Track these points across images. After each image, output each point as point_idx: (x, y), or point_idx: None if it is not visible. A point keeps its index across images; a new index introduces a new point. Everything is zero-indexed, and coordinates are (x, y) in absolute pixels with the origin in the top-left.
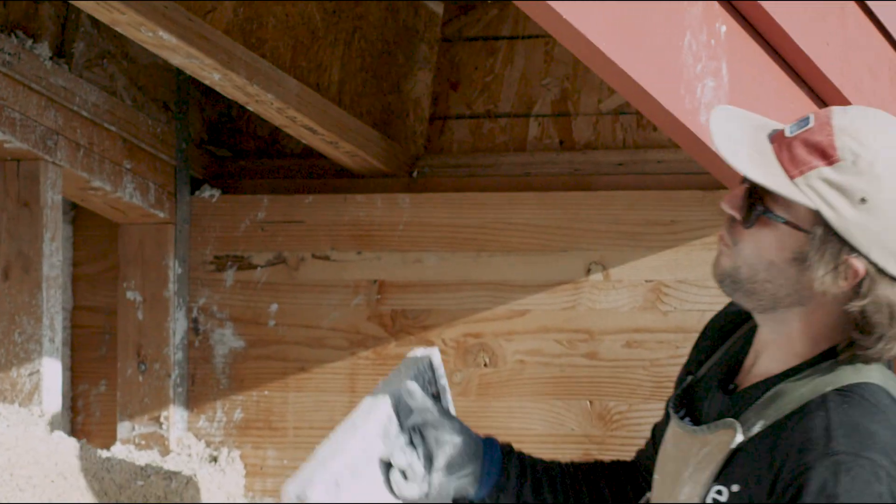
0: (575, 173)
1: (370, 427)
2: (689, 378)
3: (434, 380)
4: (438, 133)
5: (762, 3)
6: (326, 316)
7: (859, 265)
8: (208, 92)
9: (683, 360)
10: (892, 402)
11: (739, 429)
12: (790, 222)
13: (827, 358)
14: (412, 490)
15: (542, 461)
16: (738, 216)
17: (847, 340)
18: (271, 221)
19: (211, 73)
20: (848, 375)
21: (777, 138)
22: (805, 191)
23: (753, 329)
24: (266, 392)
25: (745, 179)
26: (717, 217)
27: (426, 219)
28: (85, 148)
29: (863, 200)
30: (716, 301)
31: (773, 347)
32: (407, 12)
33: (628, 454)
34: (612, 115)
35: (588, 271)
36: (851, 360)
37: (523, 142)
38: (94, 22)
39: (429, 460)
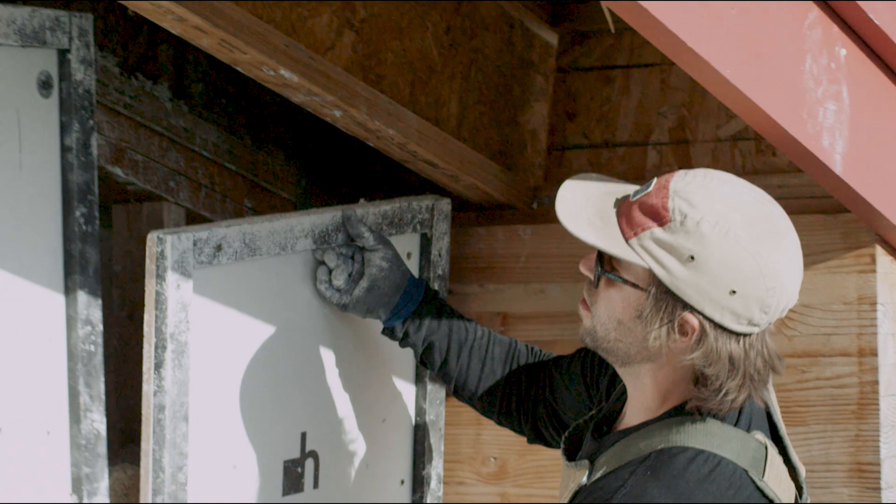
0: None
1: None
2: (591, 414)
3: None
4: (557, 163)
5: (881, 25)
6: None
7: (693, 320)
8: (326, 129)
9: (811, 384)
10: (705, 470)
11: (588, 471)
12: (629, 281)
13: (675, 415)
14: (332, 294)
15: (465, 321)
16: (590, 276)
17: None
18: None
19: (332, 110)
20: (675, 435)
21: (623, 203)
22: (638, 251)
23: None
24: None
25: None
26: (842, 240)
27: (548, 249)
28: (206, 187)
29: (691, 258)
30: (841, 325)
31: (633, 401)
32: (522, 44)
33: None
34: (731, 141)
35: None
36: (693, 415)
37: (642, 170)
38: (212, 62)
39: (358, 278)
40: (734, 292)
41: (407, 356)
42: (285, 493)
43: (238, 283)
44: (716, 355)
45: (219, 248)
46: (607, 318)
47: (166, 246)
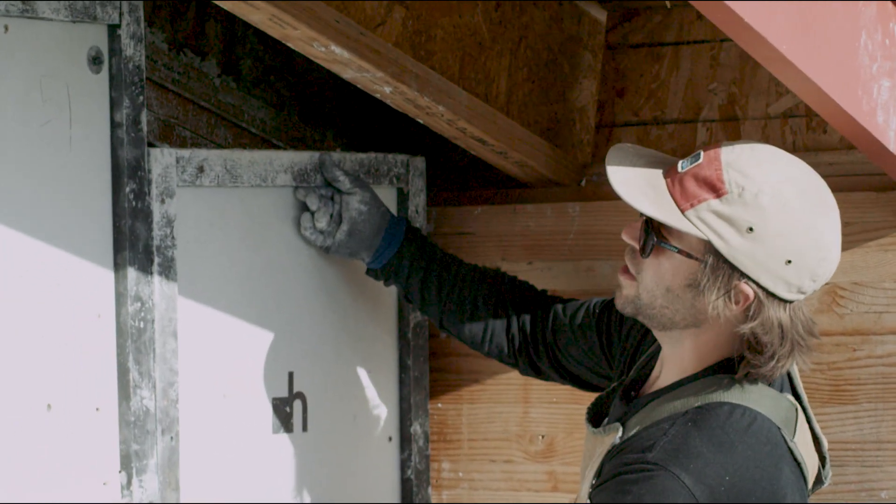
0: None
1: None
2: (613, 385)
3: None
4: (606, 141)
5: None
6: None
7: (748, 290)
8: (373, 105)
9: (862, 363)
10: (744, 423)
11: (620, 431)
12: (683, 251)
13: (712, 374)
14: (315, 236)
15: (446, 257)
16: (636, 245)
17: (739, 359)
18: (441, 234)
19: (382, 87)
20: (713, 392)
21: (670, 173)
22: (695, 222)
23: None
24: (440, 405)
25: (641, 213)
26: (893, 217)
27: (596, 227)
28: None
29: (750, 230)
30: (892, 303)
31: (670, 363)
32: (570, 21)
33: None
34: (781, 118)
35: None
36: (742, 380)
37: (691, 147)
38: (260, 38)
39: (339, 221)
40: (790, 262)
41: (389, 309)
42: (275, 431)
43: (221, 208)
44: (769, 324)
45: (200, 168)
46: (655, 285)
47: (149, 159)
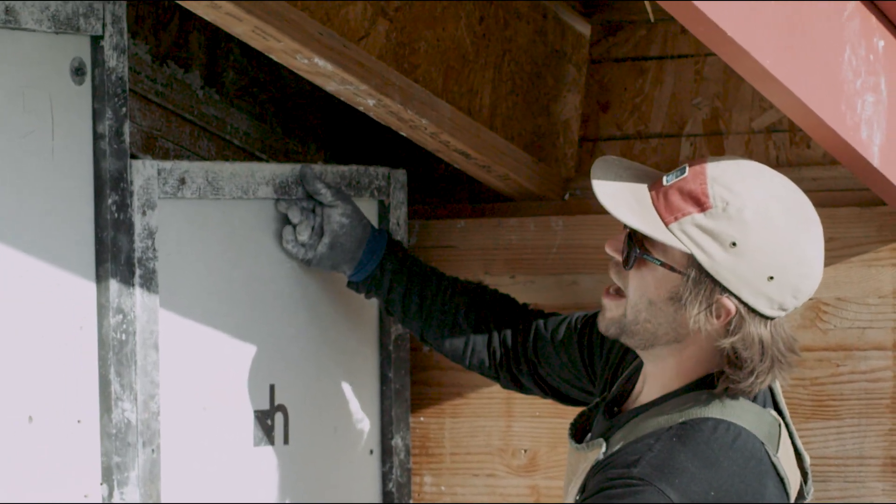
0: None
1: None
2: (596, 401)
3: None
4: (589, 155)
5: None
6: None
7: (730, 304)
8: (357, 118)
9: (845, 378)
10: (729, 438)
11: (604, 448)
12: (666, 264)
13: (694, 389)
14: (297, 249)
15: (427, 270)
16: (619, 258)
17: (719, 374)
18: (423, 247)
19: (365, 99)
20: (702, 409)
21: (655, 187)
22: (679, 235)
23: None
24: (422, 418)
25: (626, 226)
26: (877, 233)
27: (580, 241)
28: None
29: (733, 244)
30: (876, 318)
31: (652, 379)
32: (555, 35)
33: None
34: (765, 133)
35: None
36: (722, 395)
37: (675, 161)
38: (244, 50)
39: (321, 233)
40: (772, 278)
41: (371, 322)
42: (256, 443)
43: (202, 221)
44: (749, 339)
45: (182, 180)
46: (638, 298)
47: (131, 171)
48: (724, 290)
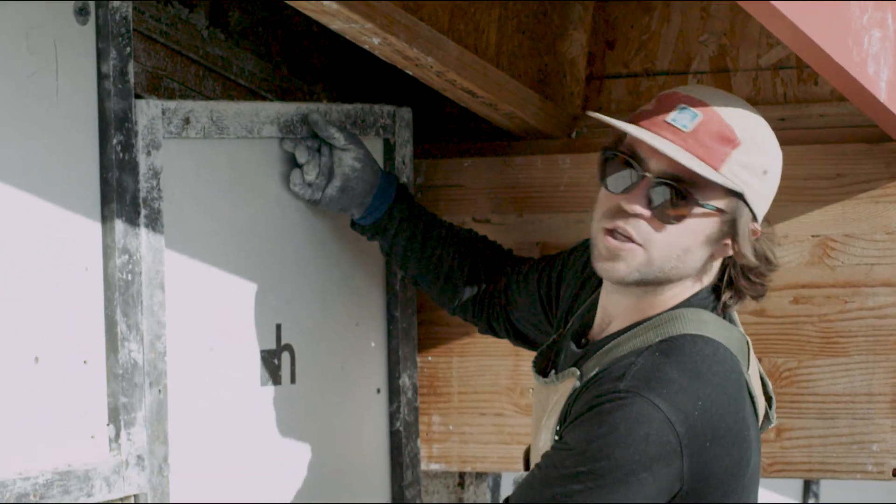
0: None
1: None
2: (552, 338)
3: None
4: (596, 93)
5: None
6: None
7: (757, 228)
8: (361, 56)
9: (853, 315)
10: (709, 350)
11: (578, 375)
12: (719, 209)
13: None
14: (304, 190)
15: (431, 219)
16: (646, 211)
17: (712, 291)
18: (430, 186)
19: (370, 38)
20: (675, 325)
21: (674, 135)
22: (730, 177)
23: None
24: (429, 357)
25: (639, 178)
26: (885, 169)
27: (587, 179)
28: None
29: (765, 172)
30: (884, 255)
31: (628, 311)
32: None
33: (799, 412)
34: (772, 70)
35: None
36: (696, 313)
37: None
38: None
39: (329, 175)
40: (773, 195)
41: (377, 261)
42: (263, 383)
43: (208, 160)
44: (761, 256)
45: (186, 120)
46: (672, 248)
47: (135, 111)
48: (754, 216)
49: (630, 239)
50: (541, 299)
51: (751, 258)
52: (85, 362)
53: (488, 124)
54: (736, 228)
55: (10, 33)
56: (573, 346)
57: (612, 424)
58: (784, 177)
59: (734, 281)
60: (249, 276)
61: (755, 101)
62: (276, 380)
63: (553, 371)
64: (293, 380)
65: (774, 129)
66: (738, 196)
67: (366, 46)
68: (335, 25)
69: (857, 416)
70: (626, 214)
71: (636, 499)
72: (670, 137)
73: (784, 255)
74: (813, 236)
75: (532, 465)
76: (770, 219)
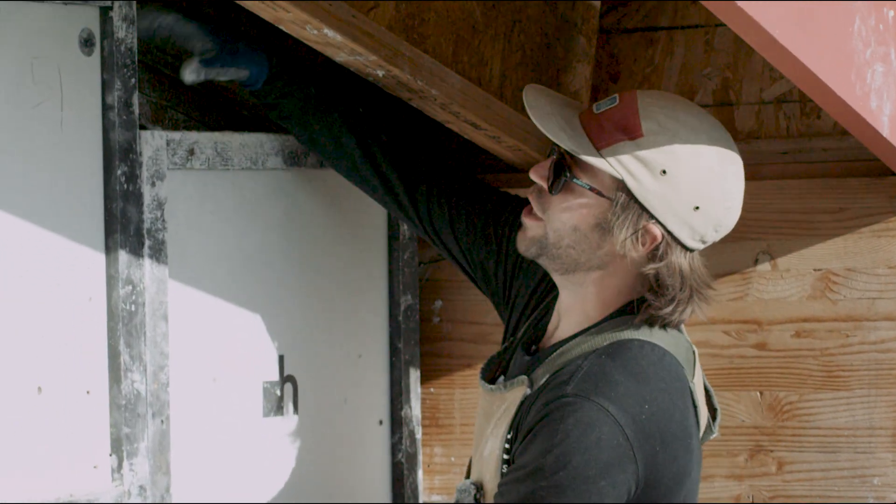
0: None
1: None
2: (505, 345)
3: None
4: None
5: None
6: (491, 311)
7: (656, 231)
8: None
9: (855, 349)
10: (656, 356)
11: (527, 383)
12: (594, 189)
13: (614, 318)
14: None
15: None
16: (545, 184)
17: (640, 303)
18: None
19: (375, 70)
20: (621, 331)
21: (586, 114)
22: (611, 161)
23: (556, 296)
24: (432, 389)
25: (552, 152)
26: (887, 203)
27: None
28: None
29: (663, 172)
30: (886, 289)
31: (572, 312)
32: (565, 5)
33: (801, 445)
34: (775, 103)
35: (756, 261)
36: (641, 323)
37: None
38: (252, 20)
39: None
40: (697, 208)
41: (380, 293)
42: (266, 414)
43: (212, 191)
44: (672, 268)
45: (191, 151)
46: (561, 224)
47: (140, 142)
48: (651, 217)
49: (533, 211)
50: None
51: (630, 251)
52: (88, 392)
53: (490, 156)
54: (623, 219)
55: (16, 64)
56: (522, 353)
57: (565, 432)
58: (786, 210)
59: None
60: (253, 307)
61: (758, 135)
62: (278, 411)
63: (502, 377)
64: (296, 411)
65: (777, 162)
66: (623, 186)
67: (370, 78)
68: (340, 58)
69: (858, 450)
70: (536, 188)
71: None
72: (571, 117)
73: (786, 288)
74: (815, 270)
75: (475, 474)
76: (772, 252)
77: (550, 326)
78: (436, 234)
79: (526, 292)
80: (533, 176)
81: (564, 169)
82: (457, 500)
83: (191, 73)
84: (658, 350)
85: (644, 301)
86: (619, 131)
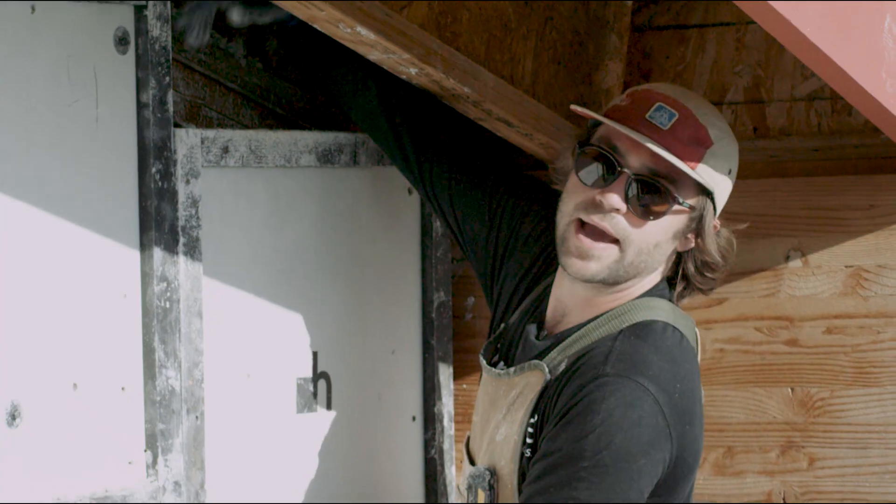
0: (770, 160)
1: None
2: (502, 326)
3: None
4: None
5: None
6: None
7: (717, 223)
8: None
9: (886, 345)
10: (677, 338)
11: (546, 369)
12: (692, 206)
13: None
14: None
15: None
16: (623, 208)
17: (671, 283)
18: None
19: (408, 68)
20: (641, 313)
21: (655, 134)
22: (704, 176)
23: (550, 282)
24: (464, 385)
25: (610, 172)
26: None
27: None
28: None
29: (729, 172)
30: None
31: (590, 304)
32: (597, 3)
33: (832, 441)
34: (806, 100)
35: (787, 258)
36: (663, 300)
37: None
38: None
39: None
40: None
41: (414, 290)
42: (299, 410)
43: (246, 189)
44: (725, 247)
45: (225, 149)
46: (646, 243)
47: (175, 140)
48: (717, 212)
49: (605, 233)
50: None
51: (714, 254)
52: (123, 389)
53: (521, 153)
54: (703, 224)
55: (52, 62)
56: (532, 338)
57: (608, 411)
58: (817, 207)
59: (688, 275)
60: (286, 304)
61: (789, 132)
62: (311, 407)
63: (502, 363)
64: (329, 407)
65: (808, 159)
66: (708, 194)
67: (403, 76)
68: (373, 56)
69: (889, 446)
70: (602, 209)
71: (639, 486)
72: (649, 134)
73: (817, 285)
74: (846, 267)
75: (485, 458)
76: (803, 249)
77: (552, 312)
78: (434, 196)
79: (516, 275)
80: (604, 200)
81: (660, 190)
82: (470, 485)
83: (236, 16)
84: (678, 332)
85: (685, 280)
86: (697, 144)
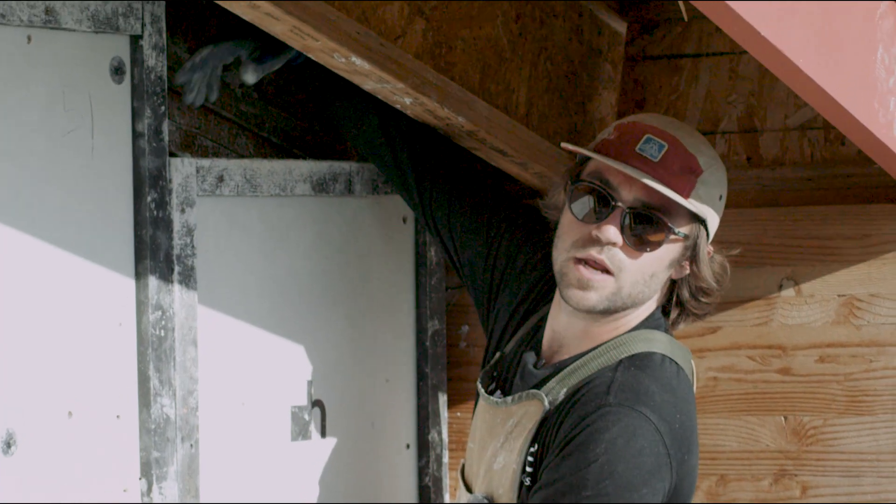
0: (764, 189)
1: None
2: (498, 355)
3: None
4: None
5: None
6: None
7: (710, 249)
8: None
9: (878, 374)
10: (674, 369)
11: (545, 399)
12: (687, 236)
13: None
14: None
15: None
16: (620, 241)
17: (665, 311)
18: None
19: (402, 97)
20: (639, 344)
21: (646, 166)
22: (696, 204)
23: (546, 313)
24: (458, 413)
25: (604, 204)
26: None
27: None
28: None
29: (720, 198)
30: None
31: (587, 335)
32: (591, 33)
33: (824, 470)
34: (799, 130)
35: (780, 287)
36: (658, 330)
37: None
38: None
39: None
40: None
41: (407, 316)
42: (294, 438)
43: (241, 218)
44: (704, 261)
45: (220, 178)
46: (642, 275)
47: (170, 169)
48: (709, 237)
49: (603, 268)
50: (488, 256)
51: (709, 279)
52: (118, 417)
53: (515, 183)
54: (697, 251)
55: (48, 91)
56: (531, 367)
57: (610, 440)
58: (811, 236)
59: (683, 301)
60: (281, 332)
61: (782, 161)
62: (306, 435)
63: (499, 391)
64: (323, 435)
65: (801, 189)
66: (701, 221)
67: (398, 106)
68: (368, 86)
69: (882, 475)
70: (599, 243)
71: None
72: (641, 167)
73: (810, 314)
74: (839, 296)
75: (482, 487)
76: (796, 278)
77: (549, 343)
78: (433, 221)
79: (512, 304)
80: (601, 235)
81: (655, 222)
82: None
83: (251, 75)
84: (674, 364)
85: (680, 307)
86: (688, 173)
